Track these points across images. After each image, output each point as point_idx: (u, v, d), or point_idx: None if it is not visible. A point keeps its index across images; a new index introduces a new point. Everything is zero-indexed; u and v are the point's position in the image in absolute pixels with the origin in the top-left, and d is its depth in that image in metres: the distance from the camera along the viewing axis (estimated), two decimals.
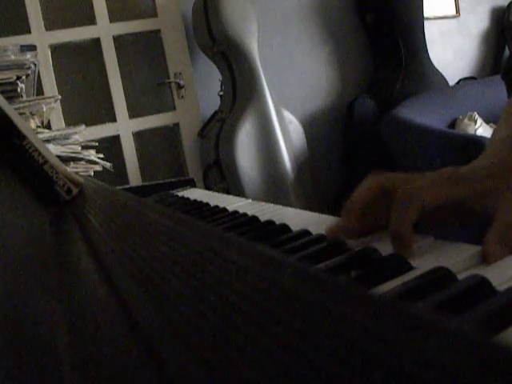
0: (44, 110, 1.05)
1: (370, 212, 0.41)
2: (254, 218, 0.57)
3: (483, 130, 2.31)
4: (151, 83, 2.32)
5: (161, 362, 0.14)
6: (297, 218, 0.59)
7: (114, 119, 2.20)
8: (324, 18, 2.63)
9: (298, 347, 0.13)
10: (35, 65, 1.10)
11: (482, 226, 0.38)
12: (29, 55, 1.05)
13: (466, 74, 3.01)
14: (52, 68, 2.08)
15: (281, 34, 2.52)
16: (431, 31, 2.84)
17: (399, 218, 0.36)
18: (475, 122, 2.32)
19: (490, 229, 0.36)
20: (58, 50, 2.13)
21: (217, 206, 0.72)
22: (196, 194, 0.95)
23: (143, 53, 2.33)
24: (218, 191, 1.89)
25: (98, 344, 0.16)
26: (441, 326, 0.12)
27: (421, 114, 2.15)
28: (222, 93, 2.26)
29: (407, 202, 0.36)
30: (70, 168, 0.97)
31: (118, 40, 2.21)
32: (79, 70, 2.22)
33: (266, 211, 0.65)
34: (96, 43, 2.17)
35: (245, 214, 0.61)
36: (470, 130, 2.26)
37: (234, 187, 2.09)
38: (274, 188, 2.14)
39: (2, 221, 0.31)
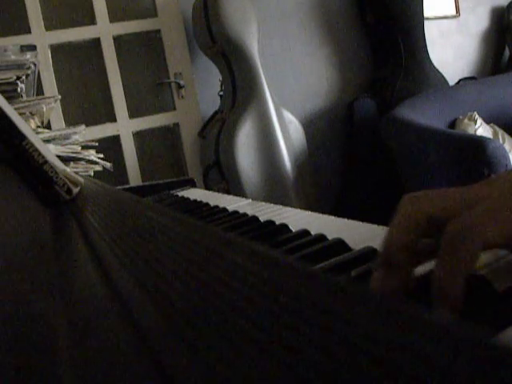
0: (44, 110, 1.05)
1: (414, 251, 0.30)
2: (254, 218, 0.57)
3: (483, 129, 2.30)
4: (151, 83, 2.32)
5: (161, 362, 0.14)
6: (297, 217, 0.59)
7: (114, 119, 2.20)
8: (324, 18, 2.63)
9: (298, 347, 0.13)
10: (35, 65, 1.10)
11: None
12: (29, 55, 1.05)
13: (466, 74, 3.01)
14: (52, 68, 2.08)
15: (281, 34, 2.52)
16: (431, 31, 2.84)
17: (447, 273, 0.26)
18: (475, 122, 2.32)
19: None
20: (57, 50, 2.13)
21: (217, 206, 0.72)
22: (196, 193, 0.95)
23: (143, 53, 2.33)
24: (218, 191, 1.89)
25: (97, 344, 0.16)
26: (441, 325, 0.12)
27: (421, 114, 2.15)
28: (222, 93, 2.26)
29: (460, 248, 0.26)
30: (70, 168, 0.97)
31: (118, 40, 2.21)
32: (79, 70, 2.22)
33: (265, 211, 0.65)
34: (96, 43, 2.17)
35: (245, 214, 0.61)
36: (470, 130, 2.26)
37: (234, 187, 2.09)
38: (274, 188, 2.14)
39: (2, 221, 0.31)
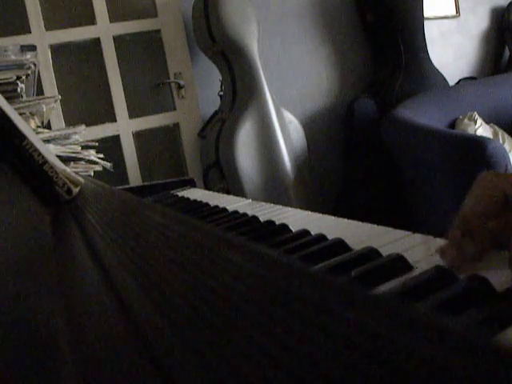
0: (44, 110, 1.05)
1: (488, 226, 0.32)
2: (254, 218, 0.57)
3: (483, 129, 2.30)
4: (151, 83, 2.32)
5: (160, 361, 0.14)
6: (297, 217, 0.59)
7: (114, 119, 2.20)
8: (324, 18, 2.62)
9: (298, 347, 0.13)
10: (35, 65, 1.10)
11: None
12: (29, 55, 1.05)
13: (465, 74, 3.01)
14: (52, 68, 2.08)
15: (281, 34, 2.51)
16: (431, 31, 2.84)
17: None
18: (475, 122, 2.32)
19: None
20: (58, 50, 2.13)
21: (217, 206, 0.72)
22: (196, 193, 0.95)
23: (143, 53, 2.33)
24: (218, 191, 1.89)
25: (97, 344, 0.16)
26: (440, 325, 0.12)
27: (421, 114, 2.15)
28: (222, 93, 2.26)
29: None
30: (70, 168, 0.97)
31: (118, 40, 2.21)
32: (79, 70, 2.22)
33: (265, 211, 0.65)
34: (96, 43, 2.17)
35: (245, 214, 0.61)
36: (470, 130, 2.26)
37: (234, 187, 2.09)
38: (274, 188, 2.14)
39: (2, 221, 0.31)
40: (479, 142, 1.68)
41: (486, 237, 0.31)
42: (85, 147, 1.07)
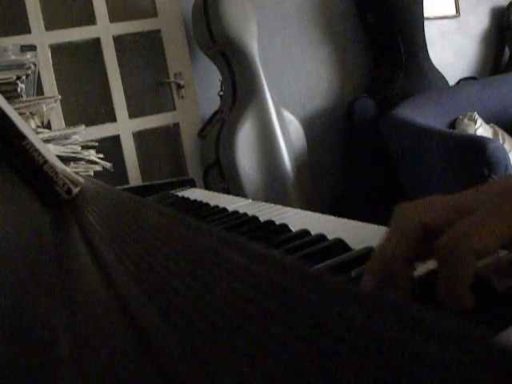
0: (44, 109, 1.05)
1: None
2: (254, 218, 0.57)
3: (483, 129, 2.30)
4: (151, 83, 2.32)
5: (160, 361, 0.14)
6: (297, 217, 0.59)
7: (114, 119, 2.20)
8: (324, 18, 2.62)
9: (298, 347, 0.13)
10: (35, 65, 1.10)
11: None
12: (29, 55, 1.05)
13: (466, 74, 3.01)
14: (52, 68, 2.08)
15: (281, 34, 2.52)
16: (431, 31, 2.84)
17: (449, 288, 0.26)
18: (475, 122, 2.32)
19: None
20: (57, 50, 2.13)
21: (217, 206, 0.72)
22: (196, 193, 0.95)
23: (143, 53, 2.33)
24: (217, 191, 1.89)
25: (97, 344, 0.16)
26: (441, 326, 0.12)
27: (421, 114, 2.15)
28: (222, 93, 2.26)
29: (454, 264, 0.26)
30: (70, 168, 0.97)
31: (118, 40, 2.21)
32: (79, 70, 2.22)
33: (265, 211, 0.65)
34: (96, 43, 2.17)
35: (245, 214, 0.61)
36: (470, 130, 2.26)
37: (234, 187, 2.09)
38: (274, 188, 2.14)
39: (2, 221, 0.31)
40: (479, 142, 1.68)
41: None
42: (85, 147, 1.07)
